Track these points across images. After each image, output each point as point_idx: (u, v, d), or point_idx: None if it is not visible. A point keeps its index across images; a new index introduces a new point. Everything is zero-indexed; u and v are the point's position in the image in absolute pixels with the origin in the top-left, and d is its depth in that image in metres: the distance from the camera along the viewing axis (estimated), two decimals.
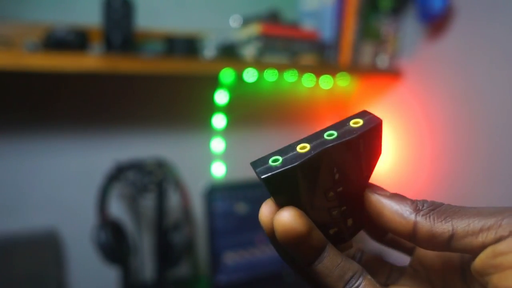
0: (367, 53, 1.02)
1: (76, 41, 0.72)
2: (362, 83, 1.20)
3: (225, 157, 1.07)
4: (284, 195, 0.18)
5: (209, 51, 0.89)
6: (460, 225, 0.17)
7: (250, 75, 0.90)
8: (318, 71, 0.99)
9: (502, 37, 0.82)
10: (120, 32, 0.74)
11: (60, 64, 0.69)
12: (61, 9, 0.85)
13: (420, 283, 0.22)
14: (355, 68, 1.01)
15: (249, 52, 0.91)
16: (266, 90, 1.08)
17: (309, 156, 0.18)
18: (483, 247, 0.17)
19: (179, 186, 0.86)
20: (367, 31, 1.01)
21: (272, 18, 0.95)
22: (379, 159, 0.20)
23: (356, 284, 0.18)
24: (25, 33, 0.76)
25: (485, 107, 0.85)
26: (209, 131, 1.05)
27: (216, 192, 0.96)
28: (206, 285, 1.01)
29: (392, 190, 0.21)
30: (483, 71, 0.86)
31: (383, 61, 1.04)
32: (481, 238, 0.17)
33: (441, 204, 0.19)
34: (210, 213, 0.95)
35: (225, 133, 1.06)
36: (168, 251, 0.83)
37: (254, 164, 0.18)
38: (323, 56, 0.99)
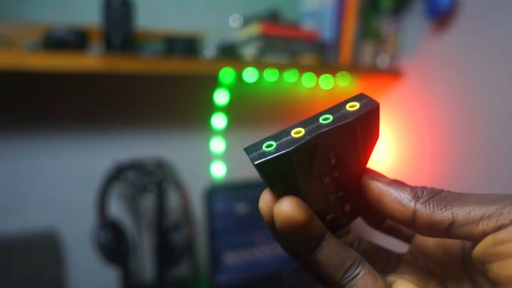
0: (367, 53, 1.02)
1: (76, 41, 0.72)
2: (362, 83, 1.20)
3: (225, 157, 1.07)
4: (279, 181, 0.18)
5: (209, 51, 0.89)
6: (460, 213, 0.17)
7: (250, 75, 0.89)
8: (318, 71, 0.99)
9: (503, 37, 0.81)
10: (120, 32, 0.74)
11: (60, 64, 0.69)
12: (61, 9, 0.85)
13: (419, 271, 0.22)
14: (355, 68, 1.01)
15: (249, 52, 0.91)
16: (266, 90, 1.08)
17: (304, 141, 0.17)
18: (483, 235, 0.17)
19: (179, 186, 0.86)
20: (367, 31, 1.01)
21: (272, 18, 0.94)
22: (377, 144, 0.20)
23: (355, 273, 0.18)
24: (25, 33, 0.76)
25: (485, 107, 0.85)
26: (209, 131, 1.05)
27: (216, 192, 0.96)
28: (206, 285, 1.01)
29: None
30: (484, 71, 0.86)
31: (383, 61, 1.04)
32: (482, 226, 0.17)
33: (441, 191, 0.19)
34: (210, 213, 0.95)
35: (225, 133, 1.06)
36: (168, 251, 0.83)
37: (248, 150, 0.18)
38: (323, 56, 0.99)
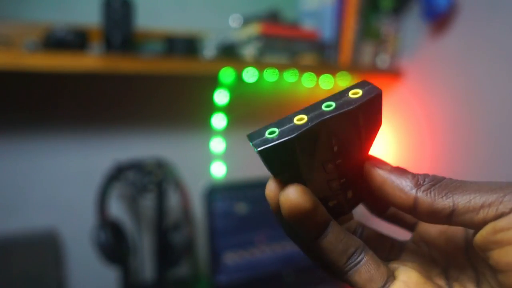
0: (367, 53, 1.02)
1: (75, 41, 0.72)
2: None
3: (225, 157, 1.07)
4: (282, 168, 0.18)
5: (209, 51, 0.89)
6: (461, 201, 0.17)
7: (250, 75, 0.89)
8: (318, 71, 0.99)
9: (503, 37, 0.81)
10: (120, 32, 0.74)
11: (60, 64, 0.69)
12: (61, 9, 0.85)
13: (421, 258, 0.22)
14: (355, 68, 1.01)
15: (249, 52, 0.91)
16: (266, 90, 1.08)
17: (306, 127, 0.17)
18: (484, 223, 0.17)
19: (179, 186, 0.86)
20: (368, 31, 1.01)
21: (272, 18, 0.94)
22: (379, 131, 0.20)
23: (358, 259, 0.19)
24: (25, 33, 0.76)
25: (485, 107, 0.85)
26: (209, 131, 1.05)
27: (216, 192, 0.96)
28: (206, 285, 1.01)
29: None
30: (484, 71, 0.85)
31: (383, 61, 1.04)
32: (482, 215, 0.17)
33: (443, 179, 0.19)
34: (210, 213, 0.95)
35: (225, 133, 1.06)
36: (168, 251, 0.83)
37: (250, 137, 0.18)
38: (323, 56, 0.99)
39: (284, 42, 0.92)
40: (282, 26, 0.94)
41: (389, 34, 1.03)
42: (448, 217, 0.18)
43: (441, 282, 0.20)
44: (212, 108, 1.03)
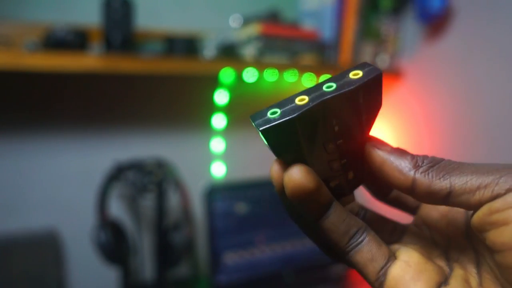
0: (367, 53, 1.02)
1: (76, 41, 0.72)
2: None
3: (225, 157, 1.07)
4: (284, 148, 0.19)
5: (209, 51, 0.89)
6: (458, 183, 0.18)
7: (250, 75, 0.89)
8: (318, 71, 0.99)
9: (502, 37, 0.81)
10: (120, 32, 0.74)
11: (60, 64, 0.69)
12: (61, 9, 0.85)
13: (423, 241, 0.22)
14: None
15: (249, 52, 0.91)
16: (266, 90, 1.08)
17: (307, 107, 0.18)
18: (480, 204, 0.17)
19: (179, 186, 0.86)
20: (367, 31, 1.01)
21: (272, 18, 0.94)
22: (379, 112, 0.20)
23: (360, 239, 0.19)
24: (25, 33, 0.76)
25: (485, 107, 0.85)
26: (209, 131, 1.05)
27: (216, 192, 0.96)
28: (206, 285, 1.01)
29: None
30: (483, 71, 0.86)
31: (383, 61, 1.04)
32: (478, 196, 0.17)
33: (441, 160, 0.19)
34: (210, 213, 0.95)
35: (225, 133, 1.06)
36: (168, 251, 0.83)
37: (253, 117, 0.18)
38: (323, 56, 0.99)
39: (284, 42, 0.92)
40: (282, 26, 0.94)
41: (389, 34, 1.03)
42: (445, 198, 0.18)
43: (441, 263, 0.20)
44: (212, 108, 1.03)
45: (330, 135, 0.19)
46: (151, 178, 0.80)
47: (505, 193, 0.17)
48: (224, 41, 0.93)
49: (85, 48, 0.74)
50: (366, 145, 0.20)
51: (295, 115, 0.17)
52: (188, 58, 0.82)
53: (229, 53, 0.91)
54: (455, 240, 0.22)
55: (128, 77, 0.93)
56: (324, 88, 0.18)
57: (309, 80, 1.09)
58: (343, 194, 0.22)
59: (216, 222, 0.96)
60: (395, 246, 0.21)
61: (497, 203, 0.17)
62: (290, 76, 0.97)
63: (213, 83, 1.01)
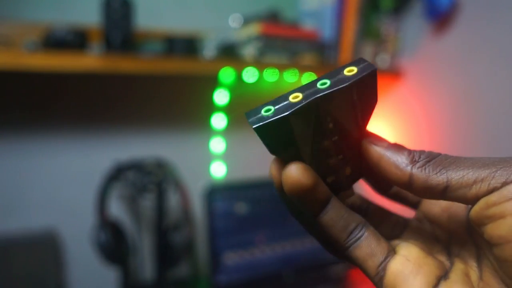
0: (367, 53, 1.02)
1: (75, 40, 0.72)
2: None
3: (225, 157, 1.07)
4: (279, 146, 0.19)
5: (209, 51, 0.89)
6: (454, 177, 0.18)
7: (250, 75, 0.89)
8: (318, 71, 0.98)
9: (504, 37, 0.81)
10: (119, 32, 0.74)
11: (60, 64, 0.69)
12: (61, 9, 0.85)
13: (424, 236, 0.22)
14: None
15: (249, 52, 0.91)
16: (266, 90, 1.08)
17: (300, 105, 0.18)
18: (477, 198, 0.17)
19: (179, 186, 0.86)
20: (368, 31, 1.01)
21: (272, 18, 0.94)
22: (375, 108, 0.20)
23: (359, 234, 0.19)
24: (25, 33, 0.76)
25: (486, 107, 0.85)
26: (209, 131, 1.05)
27: (216, 192, 0.96)
28: (206, 285, 1.01)
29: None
30: (484, 71, 0.85)
31: (383, 61, 1.04)
32: (475, 190, 0.17)
33: (438, 155, 0.19)
34: (210, 213, 0.95)
35: (225, 133, 1.06)
36: (168, 251, 0.83)
37: (248, 114, 0.19)
38: (323, 56, 0.98)
39: (284, 42, 0.92)
40: (282, 26, 0.94)
41: (389, 34, 1.03)
42: (443, 192, 0.18)
43: (442, 258, 0.21)
44: (212, 108, 1.03)
45: (324, 132, 0.19)
46: (151, 178, 0.80)
47: (501, 187, 0.17)
48: (224, 41, 0.92)
49: (85, 48, 0.74)
50: (363, 141, 0.20)
51: (288, 112, 0.17)
52: (188, 58, 0.81)
53: (229, 53, 0.91)
54: (456, 234, 0.22)
55: (128, 77, 0.93)
56: (318, 85, 0.18)
57: (309, 80, 1.09)
58: (342, 189, 0.22)
59: (216, 222, 0.95)
60: (395, 242, 0.21)
61: (493, 197, 0.17)
62: (290, 76, 0.96)
63: (213, 83, 1.01)
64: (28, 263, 0.82)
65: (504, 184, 0.17)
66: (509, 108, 0.81)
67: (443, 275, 0.19)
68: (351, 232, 0.19)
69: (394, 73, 1.04)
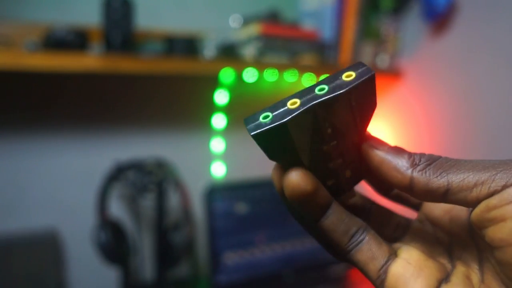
0: (367, 53, 1.02)
1: (76, 41, 0.72)
2: None
3: (225, 157, 1.07)
4: (278, 152, 0.19)
5: (209, 51, 0.89)
6: (455, 180, 0.18)
7: (250, 75, 0.89)
8: (318, 71, 0.98)
9: (502, 37, 0.81)
10: (120, 32, 0.74)
11: (60, 64, 0.69)
12: (61, 9, 0.85)
13: (426, 238, 0.22)
14: None
15: (249, 52, 0.91)
16: (266, 90, 1.08)
17: (298, 111, 0.18)
18: (477, 201, 0.17)
19: (179, 186, 0.86)
20: (367, 31, 1.01)
21: (272, 18, 0.94)
22: (374, 112, 0.20)
23: (360, 238, 0.19)
24: (25, 33, 0.76)
25: (486, 107, 0.85)
26: (209, 131, 1.05)
27: (216, 192, 0.96)
28: (206, 285, 1.01)
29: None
30: (484, 71, 0.86)
31: (383, 61, 1.04)
32: (475, 193, 0.17)
33: (438, 158, 0.19)
34: (210, 213, 0.95)
35: (225, 133, 1.06)
36: (168, 251, 0.83)
37: (246, 121, 0.18)
38: (323, 56, 0.99)
39: (284, 42, 0.92)
40: (282, 26, 0.94)
41: (389, 34, 1.03)
42: (443, 195, 0.18)
43: (443, 260, 0.21)
44: (212, 108, 1.03)
45: (323, 137, 0.19)
46: (151, 178, 0.80)
47: (501, 190, 0.17)
48: (224, 41, 0.93)
49: (85, 48, 0.74)
50: (364, 145, 0.20)
51: (286, 119, 0.17)
52: (188, 58, 0.82)
53: (229, 53, 0.91)
54: (457, 236, 0.22)
55: (128, 77, 0.93)
56: (316, 90, 0.18)
57: (309, 80, 1.09)
58: (343, 191, 0.22)
59: (216, 222, 0.96)
60: (396, 244, 0.21)
61: (494, 200, 0.17)
62: (290, 76, 0.96)
63: (213, 83, 1.01)
64: (28, 263, 0.83)
65: (505, 187, 0.17)
66: (508, 108, 0.81)
67: (444, 278, 0.19)
68: (352, 236, 0.19)
69: (394, 73, 1.04)
